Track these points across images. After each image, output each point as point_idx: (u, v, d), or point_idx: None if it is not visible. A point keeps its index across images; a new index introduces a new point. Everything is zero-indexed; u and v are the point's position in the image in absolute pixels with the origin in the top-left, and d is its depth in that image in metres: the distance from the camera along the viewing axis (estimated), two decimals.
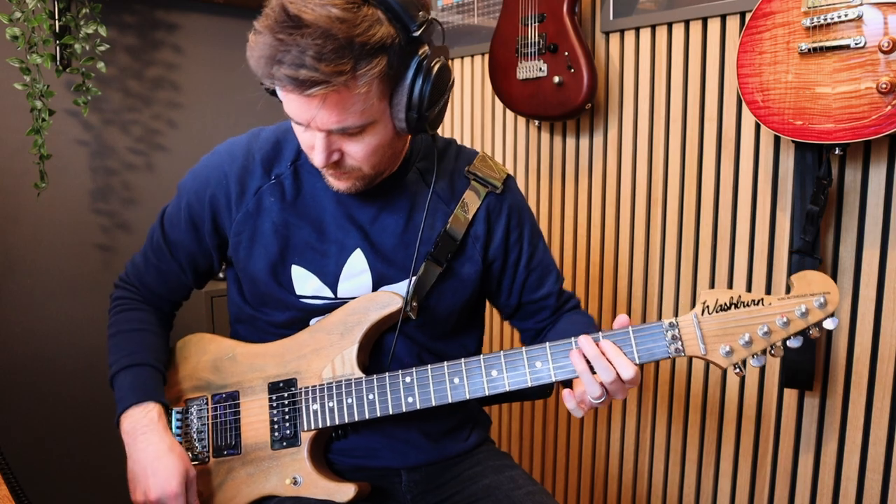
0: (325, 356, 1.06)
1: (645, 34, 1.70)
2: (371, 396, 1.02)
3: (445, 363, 1.00)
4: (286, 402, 1.06)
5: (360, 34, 0.83)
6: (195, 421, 1.11)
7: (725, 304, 0.91)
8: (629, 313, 1.80)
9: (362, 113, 0.89)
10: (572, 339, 0.95)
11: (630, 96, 1.75)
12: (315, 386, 1.05)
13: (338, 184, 1.00)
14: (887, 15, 1.19)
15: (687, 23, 1.61)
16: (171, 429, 1.08)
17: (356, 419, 1.02)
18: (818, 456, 1.48)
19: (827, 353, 1.45)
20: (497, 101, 2.10)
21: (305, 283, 1.08)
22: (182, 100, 2.17)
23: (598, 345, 0.93)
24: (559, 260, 1.94)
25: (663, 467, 1.77)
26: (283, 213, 1.07)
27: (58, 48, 1.85)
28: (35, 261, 1.95)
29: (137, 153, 2.10)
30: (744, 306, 0.90)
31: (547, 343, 0.96)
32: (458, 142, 1.19)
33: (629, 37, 1.73)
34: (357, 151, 0.94)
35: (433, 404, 0.99)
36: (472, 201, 1.11)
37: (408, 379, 1.01)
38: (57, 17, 1.83)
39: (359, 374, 1.04)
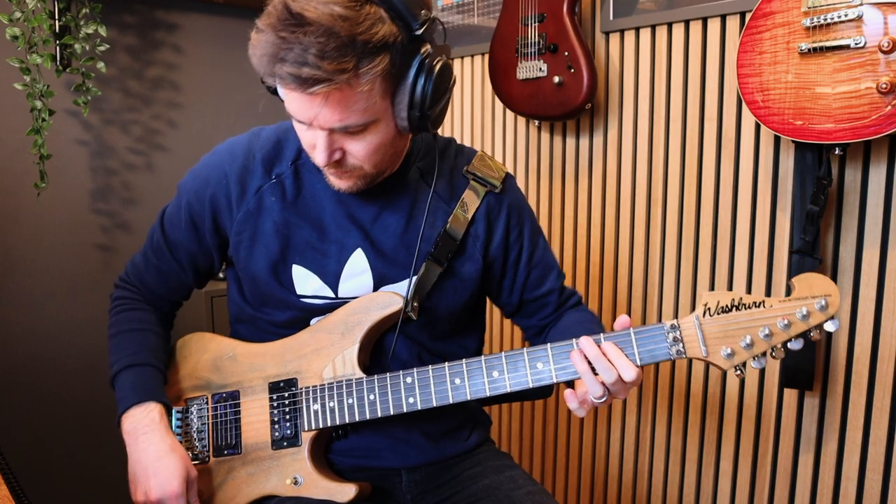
0: (326, 356, 1.06)
1: (645, 34, 1.70)
2: (372, 397, 1.02)
3: (447, 364, 1.00)
4: (287, 401, 1.06)
5: (362, 32, 0.83)
6: (195, 420, 1.11)
7: (727, 306, 0.91)
8: (629, 313, 1.80)
9: (364, 111, 0.89)
10: (573, 340, 0.95)
11: (630, 96, 1.75)
12: (316, 386, 1.05)
13: (339, 183, 1.00)
14: (887, 15, 1.19)
15: (687, 23, 1.61)
16: (171, 428, 1.07)
17: (357, 419, 1.02)
18: (818, 456, 1.48)
19: (827, 353, 1.45)
20: (497, 101, 2.10)
21: (306, 282, 1.08)
22: (182, 100, 2.17)
23: (599, 346, 0.93)
24: (559, 260, 1.94)
25: (663, 467, 1.77)
26: (284, 212, 1.07)
27: (58, 48, 1.85)
28: (35, 261, 1.95)
29: (137, 153, 2.10)
30: (745, 308, 0.90)
31: (548, 344, 0.96)
32: (458, 141, 1.19)
33: (629, 37, 1.73)
34: (359, 150, 0.94)
35: (434, 405, 0.99)
36: (471, 201, 1.11)
37: (409, 379, 1.01)
38: (57, 17, 1.83)
39: (360, 374, 1.04)
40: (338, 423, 1.03)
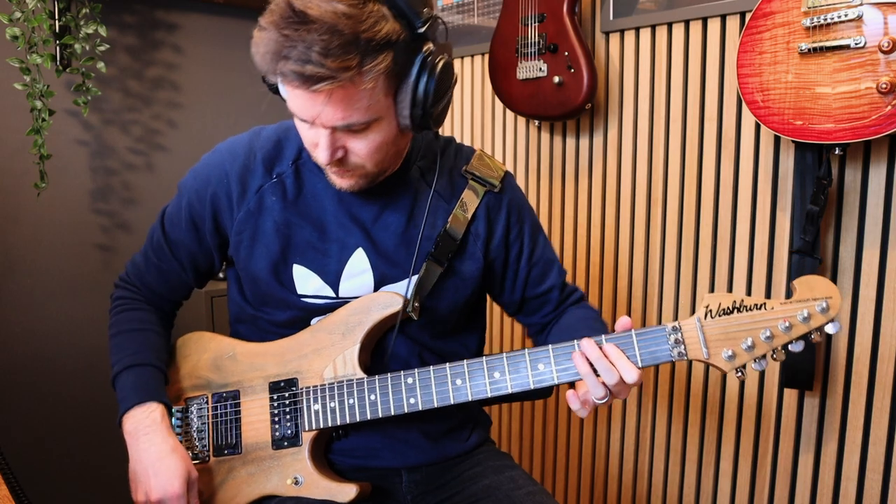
0: (327, 356, 1.06)
1: (645, 34, 1.70)
2: (373, 397, 1.02)
3: (448, 364, 1.00)
4: (287, 401, 1.06)
5: (365, 30, 0.83)
6: (195, 420, 1.11)
7: (728, 308, 0.91)
8: (629, 313, 1.80)
9: (367, 109, 0.89)
10: (575, 341, 0.95)
11: (630, 96, 1.75)
12: (316, 386, 1.05)
13: (341, 182, 1.00)
14: (887, 15, 1.19)
15: (687, 23, 1.61)
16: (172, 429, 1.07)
17: (358, 420, 1.02)
18: (818, 456, 1.48)
19: (827, 353, 1.45)
20: (497, 101, 2.10)
21: (307, 282, 1.08)
22: (182, 100, 2.17)
23: (601, 348, 0.93)
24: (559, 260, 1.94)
25: (663, 467, 1.77)
26: (285, 212, 1.07)
27: (58, 48, 1.85)
28: (35, 261, 1.95)
29: (137, 153, 2.10)
30: (746, 310, 0.91)
31: (550, 345, 0.96)
32: (458, 141, 1.19)
33: (629, 37, 1.73)
34: (361, 148, 0.94)
35: (435, 405, 0.99)
36: (470, 200, 1.11)
37: (410, 380, 1.00)
38: (57, 17, 1.83)
39: (360, 374, 1.04)
40: (338, 423, 1.03)
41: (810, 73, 1.28)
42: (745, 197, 1.55)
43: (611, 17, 1.74)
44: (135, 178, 2.10)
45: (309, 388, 1.06)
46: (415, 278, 1.07)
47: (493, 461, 1.16)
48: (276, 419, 1.07)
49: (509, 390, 0.97)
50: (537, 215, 1.21)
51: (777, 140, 1.49)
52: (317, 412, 1.04)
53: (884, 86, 1.18)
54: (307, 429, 1.05)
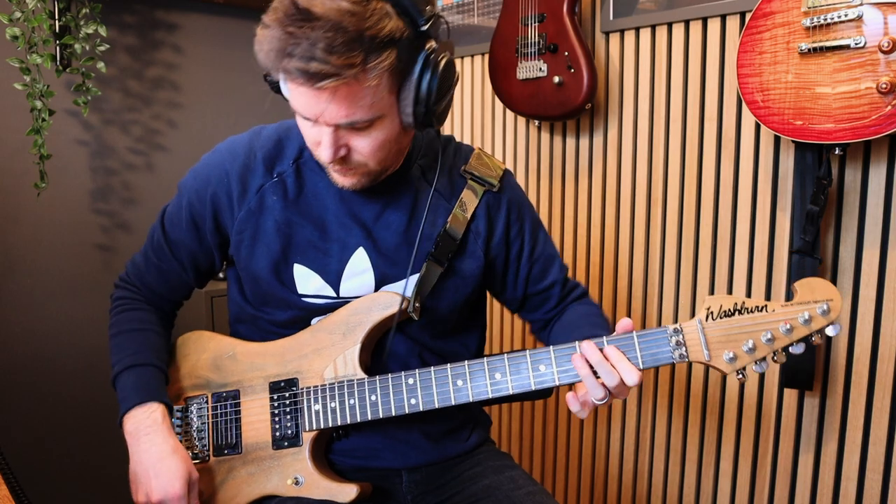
0: (327, 356, 1.06)
1: (645, 34, 1.70)
2: (374, 398, 1.02)
3: (449, 365, 1.00)
4: (287, 401, 1.06)
5: (369, 27, 0.83)
6: (195, 420, 1.10)
7: (729, 310, 0.91)
8: (629, 313, 1.80)
9: (371, 107, 0.89)
10: (576, 342, 0.95)
11: (630, 96, 1.75)
12: (317, 386, 1.05)
13: (343, 180, 1.00)
14: (887, 15, 1.19)
15: (687, 23, 1.61)
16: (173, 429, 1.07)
17: (358, 420, 1.02)
18: (818, 456, 1.48)
19: (827, 353, 1.45)
20: (497, 101, 2.10)
21: (308, 281, 1.08)
22: (182, 100, 2.17)
23: (602, 350, 0.93)
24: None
25: (663, 467, 1.77)
26: (286, 211, 1.07)
27: (58, 48, 1.85)
28: (35, 261, 1.95)
29: (137, 153, 2.10)
30: (747, 312, 0.91)
31: (551, 346, 0.96)
32: (457, 140, 1.19)
33: (629, 37, 1.73)
34: (364, 146, 0.94)
35: (436, 406, 0.99)
36: (469, 200, 1.11)
37: (410, 380, 1.00)
38: (57, 17, 1.83)
39: (361, 374, 1.04)
40: (339, 423, 1.03)
41: (810, 73, 1.28)
42: (745, 197, 1.55)
43: (611, 17, 1.74)
44: (135, 178, 2.10)
45: (309, 388, 1.06)
46: (412, 278, 1.07)
47: (494, 461, 1.16)
48: (277, 419, 1.07)
49: (510, 391, 0.97)
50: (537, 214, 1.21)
51: (777, 140, 1.49)
52: (317, 412, 1.04)
53: (884, 86, 1.18)
54: (308, 429, 1.05)
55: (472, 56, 2.15)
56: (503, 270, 1.16)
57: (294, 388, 1.06)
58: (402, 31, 0.87)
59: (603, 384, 0.93)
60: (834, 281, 1.43)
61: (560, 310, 1.20)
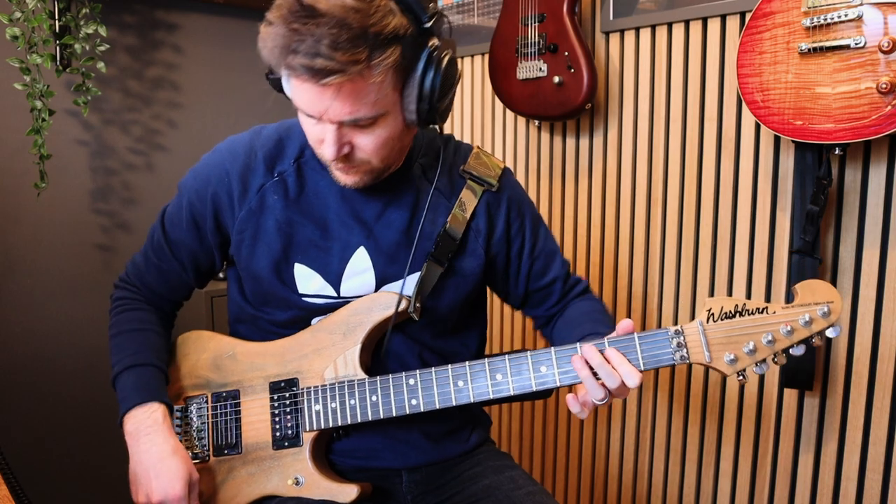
0: (328, 356, 1.06)
1: (645, 34, 1.70)
2: (374, 398, 1.02)
3: (450, 366, 1.00)
4: (288, 401, 1.06)
5: (374, 24, 0.83)
6: (195, 419, 1.10)
7: (730, 311, 0.92)
8: (629, 313, 1.80)
9: (375, 104, 0.89)
10: (577, 343, 0.95)
11: (630, 96, 1.75)
12: (317, 386, 1.05)
13: (345, 178, 1.00)
14: (887, 15, 1.19)
15: (687, 23, 1.61)
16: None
17: (359, 420, 1.02)
18: (818, 456, 1.48)
19: (827, 353, 1.45)
20: (497, 101, 2.10)
21: (308, 281, 1.08)
22: (182, 100, 2.17)
23: (602, 353, 0.93)
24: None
25: (663, 467, 1.77)
26: (287, 210, 1.07)
27: (58, 48, 1.85)
28: (35, 261, 1.95)
29: (137, 153, 2.10)
30: (748, 314, 0.91)
31: (552, 348, 0.97)
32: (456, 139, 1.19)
33: (629, 37, 1.73)
34: (367, 144, 0.94)
35: (437, 407, 0.99)
36: (469, 200, 1.11)
37: (411, 381, 1.00)
38: (57, 17, 1.83)
39: (361, 375, 1.04)
40: (340, 423, 1.03)
41: (810, 73, 1.28)
42: (745, 197, 1.55)
43: (611, 17, 1.74)
44: (135, 178, 2.10)
45: (310, 388, 1.06)
46: (410, 277, 1.07)
47: (494, 461, 1.16)
48: (277, 419, 1.06)
49: (511, 392, 0.98)
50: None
51: (777, 140, 1.49)
52: (318, 412, 1.04)
53: (884, 86, 1.18)
54: (308, 429, 1.05)
55: (472, 56, 2.15)
56: (504, 268, 1.16)
57: (294, 389, 1.06)
58: (405, 28, 0.87)
59: (603, 385, 0.93)
60: (834, 281, 1.43)
61: (562, 306, 1.20)
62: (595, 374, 0.93)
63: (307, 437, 1.05)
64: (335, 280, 1.07)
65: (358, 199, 1.07)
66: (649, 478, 1.81)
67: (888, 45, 1.18)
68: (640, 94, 1.73)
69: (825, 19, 1.24)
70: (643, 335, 0.94)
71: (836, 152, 1.31)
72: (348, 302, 1.08)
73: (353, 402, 1.03)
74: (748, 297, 1.57)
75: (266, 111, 2.26)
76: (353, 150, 0.95)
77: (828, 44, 1.24)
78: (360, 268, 1.07)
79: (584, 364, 0.93)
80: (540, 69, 1.73)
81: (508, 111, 2.06)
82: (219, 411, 1.10)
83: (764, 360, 0.92)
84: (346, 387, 1.03)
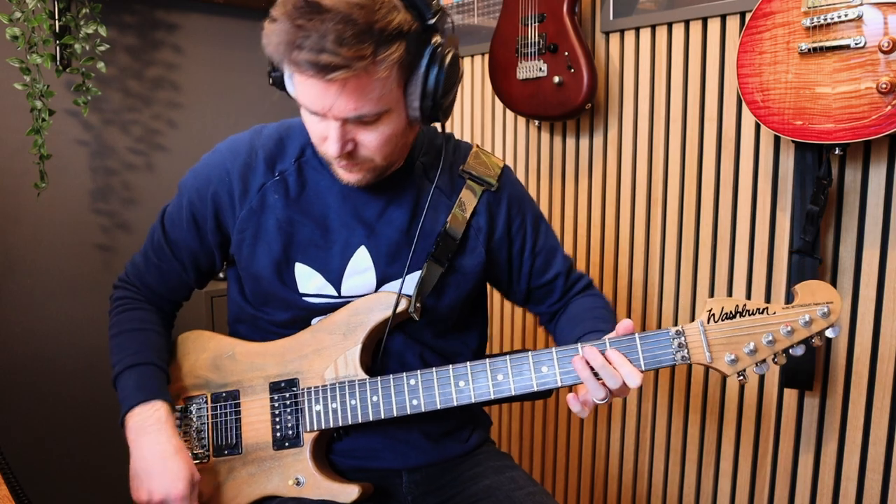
0: (328, 356, 1.06)
1: (645, 34, 1.70)
2: (375, 398, 1.02)
3: (451, 366, 1.00)
4: (288, 402, 1.06)
5: (379, 20, 0.83)
6: (195, 420, 1.10)
7: (730, 312, 0.92)
8: (629, 313, 1.80)
9: (379, 100, 0.89)
10: (579, 344, 0.95)
11: (630, 96, 1.75)
12: (318, 387, 1.05)
13: (348, 176, 1.00)
14: (887, 15, 1.19)
15: (687, 23, 1.61)
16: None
17: (360, 420, 1.02)
18: (818, 456, 1.48)
19: (827, 353, 1.45)
20: (497, 101, 2.10)
21: (309, 280, 1.08)
22: (182, 100, 2.16)
23: (604, 354, 0.93)
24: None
25: (663, 467, 1.77)
26: (288, 209, 1.07)
27: (58, 48, 1.85)
28: (35, 261, 1.95)
29: (137, 153, 2.10)
30: (749, 315, 0.92)
31: (553, 348, 0.97)
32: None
33: (629, 37, 1.73)
34: (371, 141, 0.94)
35: (438, 407, 0.99)
36: (468, 200, 1.11)
37: (412, 381, 1.00)
38: (57, 17, 1.83)
39: (362, 375, 1.04)
40: (340, 424, 1.03)
41: (810, 73, 1.28)
42: (745, 197, 1.55)
43: (611, 17, 1.74)
44: (135, 178, 2.10)
45: (310, 388, 1.05)
46: (410, 276, 1.07)
47: (494, 461, 1.16)
48: (277, 419, 1.06)
49: (512, 392, 0.98)
50: None
51: (777, 140, 1.49)
52: (318, 413, 1.04)
53: (884, 86, 1.18)
54: (308, 429, 1.05)
55: (472, 56, 2.15)
56: (507, 266, 1.16)
57: (295, 389, 1.06)
58: (409, 24, 0.87)
59: (604, 385, 0.93)
60: (834, 281, 1.43)
61: (565, 302, 1.20)
62: (596, 374, 0.93)
63: (308, 438, 1.05)
64: (336, 279, 1.07)
65: (359, 198, 1.07)
66: (649, 478, 1.81)
67: (888, 45, 1.18)
68: (640, 94, 1.73)
69: (825, 19, 1.24)
70: (644, 335, 0.94)
71: (836, 152, 1.31)
72: (349, 301, 1.08)
73: (353, 402, 1.03)
74: (748, 297, 1.57)
75: (266, 111, 2.27)
76: (357, 148, 0.95)
77: (828, 44, 1.24)
78: (360, 267, 1.07)
79: (584, 365, 0.93)
80: (540, 69, 1.73)
81: (508, 111, 2.06)
82: (219, 411, 1.09)
83: (764, 361, 0.92)
84: (346, 387, 1.03)
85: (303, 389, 1.06)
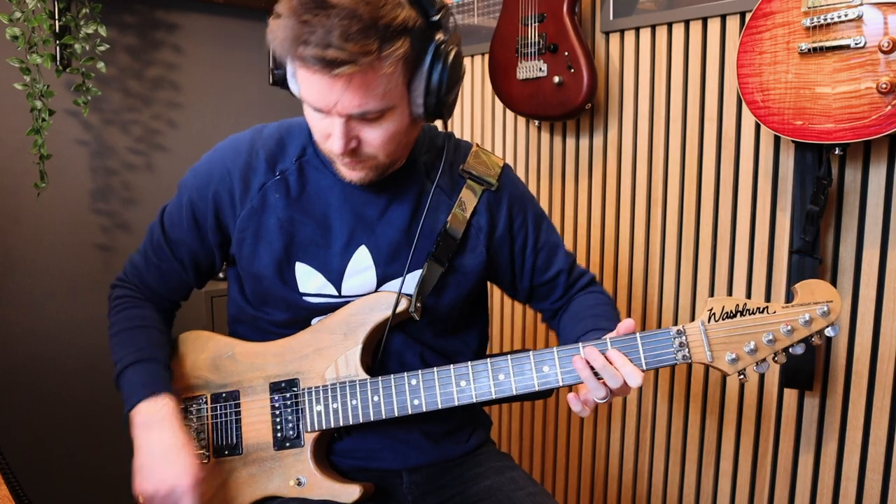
0: (328, 356, 1.06)
1: (645, 34, 1.70)
2: (376, 398, 1.02)
3: (452, 366, 1.00)
4: (288, 402, 1.06)
5: (384, 15, 0.83)
6: (194, 420, 1.10)
7: (731, 311, 0.92)
8: (629, 313, 1.81)
9: (383, 96, 0.89)
10: (580, 344, 0.95)
11: (630, 96, 1.75)
12: (318, 387, 1.05)
13: (351, 174, 1.00)
14: (887, 15, 1.19)
15: (687, 23, 1.61)
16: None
17: (361, 420, 1.02)
18: (818, 456, 1.48)
19: (827, 353, 1.45)
20: (497, 101, 2.10)
21: (310, 280, 1.07)
22: (182, 100, 2.17)
23: (605, 354, 0.93)
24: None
25: (663, 467, 1.77)
26: (288, 209, 1.07)
27: (58, 48, 1.85)
28: (35, 261, 1.95)
29: (137, 153, 2.10)
30: (749, 314, 0.92)
31: (555, 348, 0.97)
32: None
33: (629, 37, 1.73)
34: (375, 138, 0.94)
35: (439, 407, 0.99)
36: (468, 200, 1.11)
37: (413, 381, 1.00)
38: (57, 17, 1.83)
39: (363, 375, 1.04)
40: (341, 424, 1.03)
41: (810, 73, 1.28)
42: (745, 197, 1.55)
43: (611, 17, 1.74)
44: (135, 178, 2.10)
45: (311, 388, 1.05)
46: (410, 276, 1.07)
47: (494, 462, 1.16)
48: (278, 420, 1.06)
49: (514, 392, 0.98)
50: None
51: (777, 140, 1.49)
52: (319, 413, 1.04)
53: (884, 86, 1.18)
54: (309, 429, 1.05)
55: (472, 56, 2.15)
56: (508, 264, 1.16)
57: (295, 389, 1.06)
58: (414, 21, 0.87)
59: (605, 384, 0.93)
60: (834, 281, 1.43)
61: (568, 299, 1.20)
62: (597, 374, 0.93)
63: (308, 438, 1.05)
64: (336, 279, 1.07)
65: (360, 197, 1.07)
66: (649, 478, 1.81)
67: (888, 45, 1.18)
68: (640, 94, 1.73)
69: (825, 19, 1.24)
70: (645, 335, 0.94)
71: (836, 152, 1.31)
72: (349, 301, 1.07)
73: (354, 402, 1.03)
74: (748, 296, 1.57)
75: (266, 111, 2.27)
76: (361, 145, 0.95)
77: (828, 44, 1.24)
78: (361, 266, 1.07)
79: (585, 365, 0.93)
80: (540, 69, 1.73)
81: (508, 111, 2.06)
82: (219, 412, 1.09)
83: (764, 360, 0.92)
84: (347, 387, 1.03)
85: (303, 389, 1.06)
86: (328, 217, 1.07)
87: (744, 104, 1.41)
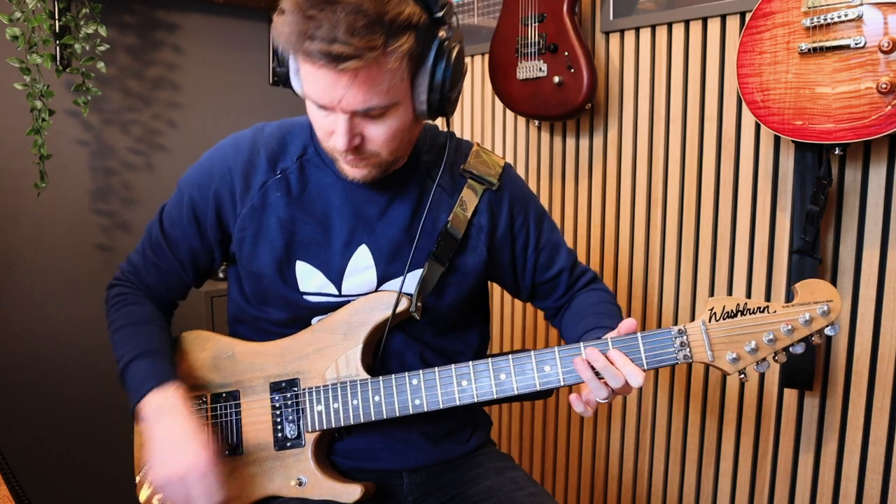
0: (329, 356, 1.06)
1: (645, 34, 1.70)
2: (377, 398, 1.02)
3: (453, 366, 1.00)
4: (289, 402, 1.06)
5: (389, 11, 0.84)
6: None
7: (732, 311, 0.93)
8: (629, 312, 1.81)
9: (388, 92, 0.89)
10: (581, 344, 0.95)
11: (630, 96, 1.75)
12: (319, 387, 1.05)
13: (353, 171, 1.00)
14: (887, 15, 1.19)
15: (687, 23, 1.61)
16: None
17: (362, 420, 1.02)
18: (818, 456, 1.49)
19: (827, 353, 1.45)
20: (497, 101, 2.10)
21: (310, 279, 1.07)
22: (182, 100, 2.17)
23: (606, 355, 0.93)
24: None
25: (663, 467, 1.77)
26: (289, 207, 1.07)
27: (58, 48, 1.85)
28: (35, 261, 1.95)
29: (137, 153, 2.10)
30: (749, 313, 0.92)
31: (556, 348, 0.97)
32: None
33: (629, 37, 1.73)
34: (378, 135, 0.94)
35: (441, 407, 0.99)
36: (469, 199, 1.11)
37: (415, 381, 1.00)
38: (57, 17, 1.83)
39: (364, 375, 1.04)
40: (342, 424, 1.03)
41: (810, 73, 1.28)
42: (745, 197, 1.55)
43: (611, 17, 1.74)
44: (135, 178, 2.10)
45: (311, 388, 1.05)
46: (411, 275, 1.07)
47: (494, 462, 1.16)
48: (278, 420, 1.06)
49: (515, 392, 0.98)
50: None
51: (777, 140, 1.49)
52: (320, 413, 1.04)
53: (884, 86, 1.18)
54: (310, 429, 1.05)
55: (472, 56, 2.15)
56: (510, 263, 1.16)
57: (295, 389, 1.06)
58: (418, 17, 0.87)
59: (606, 384, 0.93)
60: (834, 281, 1.43)
61: (570, 297, 1.20)
62: (598, 374, 0.93)
63: (309, 438, 1.05)
64: (337, 278, 1.07)
65: (361, 196, 1.07)
66: (649, 478, 1.81)
67: (888, 45, 1.18)
68: (640, 94, 1.73)
69: (825, 19, 1.24)
70: (646, 335, 0.94)
71: (836, 152, 1.31)
72: (349, 300, 1.07)
73: (355, 402, 1.03)
74: (748, 296, 1.57)
75: (266, 111, 2.27)
76: (364, 142, 0.95)
77: (828, 44, 1.24)
78: (361, 265, 1.07)
79: (587, 366, 0.93)
80: (540, 69, 1.73)
81: (508, 111, 2.06)
82: (219, 412, 1.09)
83: (765, 359, 0.93)
84: (348, 387, 1.03)
85: (304, 389, 1.06)
86: (329, 216, 1.07)
87: (744, 104, 1.41)
